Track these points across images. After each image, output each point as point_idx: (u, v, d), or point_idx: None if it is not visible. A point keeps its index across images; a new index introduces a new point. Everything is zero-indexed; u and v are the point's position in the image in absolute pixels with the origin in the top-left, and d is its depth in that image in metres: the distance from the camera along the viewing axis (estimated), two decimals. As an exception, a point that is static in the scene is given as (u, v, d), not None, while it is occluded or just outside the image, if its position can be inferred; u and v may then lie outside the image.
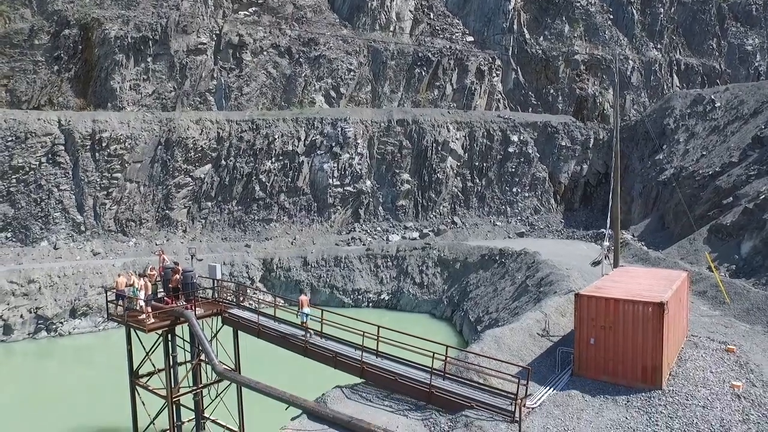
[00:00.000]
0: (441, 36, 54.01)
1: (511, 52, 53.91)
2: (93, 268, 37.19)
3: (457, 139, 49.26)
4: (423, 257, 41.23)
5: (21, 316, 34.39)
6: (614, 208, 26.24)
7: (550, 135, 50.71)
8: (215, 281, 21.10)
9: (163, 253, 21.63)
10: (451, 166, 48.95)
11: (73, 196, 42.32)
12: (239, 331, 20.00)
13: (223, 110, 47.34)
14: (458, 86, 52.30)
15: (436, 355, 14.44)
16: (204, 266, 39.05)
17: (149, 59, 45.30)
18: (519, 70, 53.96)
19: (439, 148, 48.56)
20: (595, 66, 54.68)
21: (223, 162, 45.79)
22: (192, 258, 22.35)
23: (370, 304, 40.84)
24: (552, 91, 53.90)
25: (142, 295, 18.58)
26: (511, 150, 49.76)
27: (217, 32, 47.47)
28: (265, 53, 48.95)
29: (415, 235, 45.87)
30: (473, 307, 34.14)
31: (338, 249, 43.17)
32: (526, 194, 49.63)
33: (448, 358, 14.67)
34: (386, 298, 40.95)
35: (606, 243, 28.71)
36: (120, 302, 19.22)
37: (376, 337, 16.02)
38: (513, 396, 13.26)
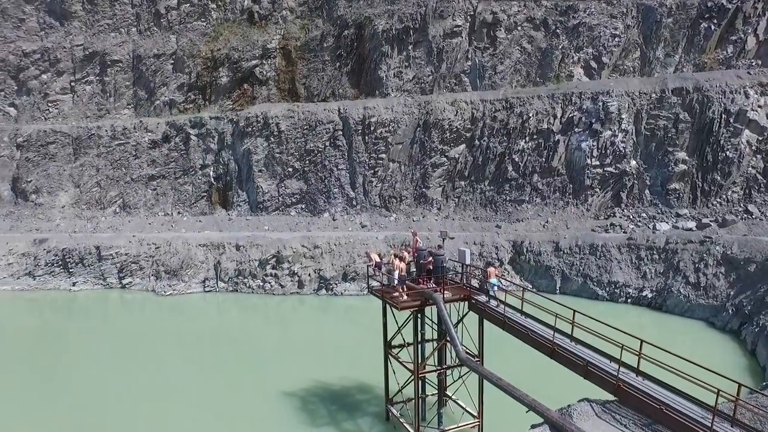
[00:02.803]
0: (743, -25, 43.24)
1: None
2: (360, 239, 41.94)
3: (759, 106, 39.19)
4: (701, 253, 34.37)
5: (309, 275, 41.18)
6: None
7: None
8: (464, 266, 21.08)
9: (416, 234, 22.62)
10: (747, 141, 39.39)
11: (348, 175, 48.12)
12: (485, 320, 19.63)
13: (477, 90, 47.24)
14: (767, 36, 41.23)
15: (721, 393, 11.45)
16: (455, 244, 40.20)
17: (410, 47, 47.92)
18: None
19: (731, 120, 39.45)
20: None
21: (477, 142, 45.92)
22: (443, 240, 22.79)
23: (629, 300, 36.15)
24: None
25: (396, 274, 19.72)
26: None
27: (472, 13, 47.27)
28: (519, 28, 46.79)
29: (691, 225, 38.54)
30: (774, 323, 27.01)
31: (594, 236, 39.26)
32: None
33: (739, 400, 11.50)
34: (649, 295, 35.60)
35: None
36: (377, 276, 20.88)
37: (637, 353, 13.66)
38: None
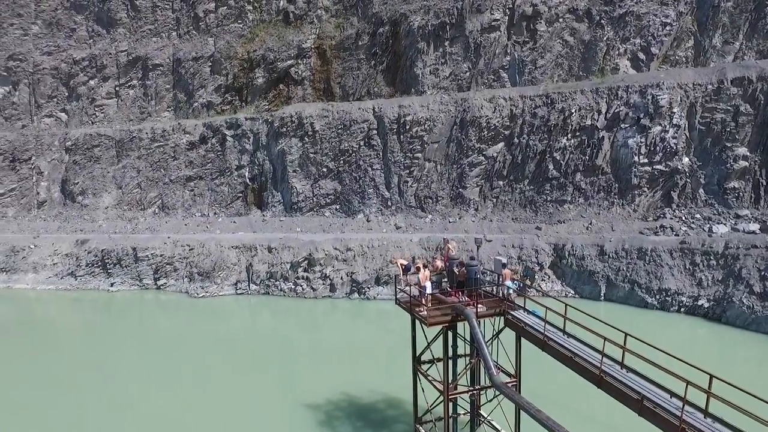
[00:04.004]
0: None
1: None
2: (394, 242, 40.04)
3: (831, 97, 34.99)
4: (767, 258, 30.76)
5: (341, 278, 39.61)
6: None
7: None
8: (500, 277, 18.84)
9: (448, 242, 20.50)
10: (818, 135, 35.21)
11: (383, 175, 46.35)
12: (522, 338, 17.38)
13: (517, 86, 44.50)
14: (839, 22, 36.76)
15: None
16: (493, 247, 37.86)
17: (446, 43, 45.63)
18: None
19: (801, 112, 35.35)
20: None
21: (516, 140, 43.28)
22: (478, 248, 20.68)
23: (682, 310, 32.72)
24: None
25: (427, 290, 17.73)
26: None
27: (510, 6, 44.50)
28: (560, 20, 43.75)
29: (754, 227, 34.62)
30: None
31: (643, 239, 35.95)
32: None
33: None
34: (705, 305, 32.06)
35: None
36: (404, 280, 18.91)
37: (706, 391, 11.21)
38: None
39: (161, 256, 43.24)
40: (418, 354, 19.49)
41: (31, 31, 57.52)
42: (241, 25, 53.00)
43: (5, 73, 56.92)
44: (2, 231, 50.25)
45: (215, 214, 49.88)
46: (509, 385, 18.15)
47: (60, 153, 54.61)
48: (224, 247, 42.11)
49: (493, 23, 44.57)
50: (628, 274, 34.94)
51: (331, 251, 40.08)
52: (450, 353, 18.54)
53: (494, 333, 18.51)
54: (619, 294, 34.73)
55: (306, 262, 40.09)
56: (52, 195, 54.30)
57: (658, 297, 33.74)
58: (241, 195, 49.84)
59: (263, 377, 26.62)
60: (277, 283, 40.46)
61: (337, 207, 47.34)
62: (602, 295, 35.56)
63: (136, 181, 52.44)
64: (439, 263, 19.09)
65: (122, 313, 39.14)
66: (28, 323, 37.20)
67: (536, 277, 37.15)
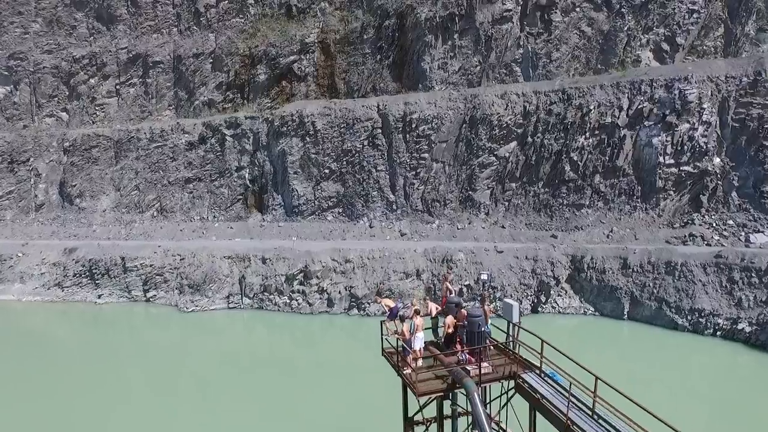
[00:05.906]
0: None
1: None
2: (397, 252, 35.93)
3: None
4: (821, 279, 26.05)
5: (339, 292, 35.66)
6: None
7: None
8: (511, 326, 14.70)
9: (447, 278, 16.30)
10: None
11: (387, 176, 42.35)
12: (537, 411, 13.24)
13: (530, 81, 40.01)
14: None
15: None
16: (504, 259, 33.63)
17: (456, 36, 41.19)
18: None
19: None
20: None
21: (529, 139, 38.95)
22: (483, 284, 16.58)
23: (719, 333, 28.11)
24: None
25: (418, 342, 13.69)
26: None
27: (525, -6, 39.76)
28: (577, 9, 39.13)
29: (799, 238, 30.02)
30: None
31: (671, 250, 31.30)
32: None
33: None
34: (746, 329, 27.39)
35: None
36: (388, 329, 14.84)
37: None
38: None
39: (151, 266, 39.59)
40: (410, 414, 15.48)
41: (32, 30, 54.31)
42: (242, 20, 49.08)
43: (6, 73, 53.93)
44: (-4, 236, 47.31)
45: (214, 217, 46.23)
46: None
47: (58, 154, 51.50)
48: (216, 258, 38.31)
49: (505, 14, 40.06)
50: (655, 291, 30.41)
51: (329, 263, 36.07)
52: (448, 413, 14.58)
53: (503, 392, 14.42)
54: (645, 313, 30.29)
55: (302, 274, 36.14)
56: (50, 197, 51.24)
57: (689, 318, 29.19)
58: (241, 197, 46.12)
59: (251, 401, 23.51)
60: (272, 296, 36.60)
61: (340, 210, 43.40)
62: (626, 313, 31.16)
63: (135, 183, 49.08)
64: (434, 308, 14.97)
65: (110, 327, 35.77)
66: (13, 338, 34.14)
67: (552, 292, 32.82)
